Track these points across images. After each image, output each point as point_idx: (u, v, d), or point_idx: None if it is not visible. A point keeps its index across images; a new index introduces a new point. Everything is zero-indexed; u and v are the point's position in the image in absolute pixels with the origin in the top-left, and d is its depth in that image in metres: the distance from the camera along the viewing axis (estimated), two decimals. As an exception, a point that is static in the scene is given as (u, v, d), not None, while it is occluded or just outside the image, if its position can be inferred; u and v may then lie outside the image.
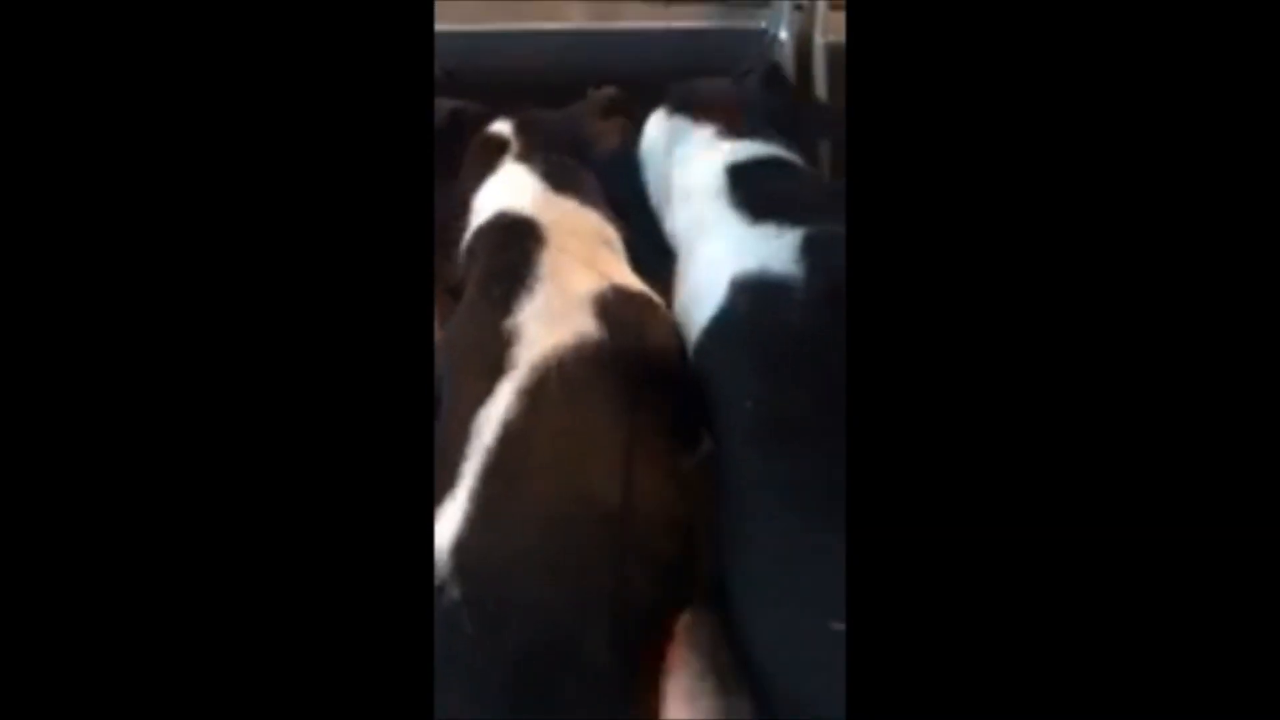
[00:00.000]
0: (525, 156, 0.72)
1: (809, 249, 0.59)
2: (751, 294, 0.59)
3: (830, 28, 0.93)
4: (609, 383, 0.57)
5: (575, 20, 0.95)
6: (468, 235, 0.70)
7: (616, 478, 0.54)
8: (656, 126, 0.74)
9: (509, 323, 0.59)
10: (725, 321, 0.60)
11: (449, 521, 0.52)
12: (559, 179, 0.70)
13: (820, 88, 0.83)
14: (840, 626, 0.46)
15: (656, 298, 0.65)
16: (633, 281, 0.66)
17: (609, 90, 0.81)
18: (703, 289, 0.63)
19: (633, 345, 0.60)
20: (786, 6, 0.83)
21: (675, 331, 0.64)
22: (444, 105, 0.81)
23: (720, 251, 0.63)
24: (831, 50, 0.83)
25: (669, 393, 0.61)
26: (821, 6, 0.83)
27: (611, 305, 0.61)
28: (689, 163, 0.71)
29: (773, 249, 0.60)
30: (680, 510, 0.57)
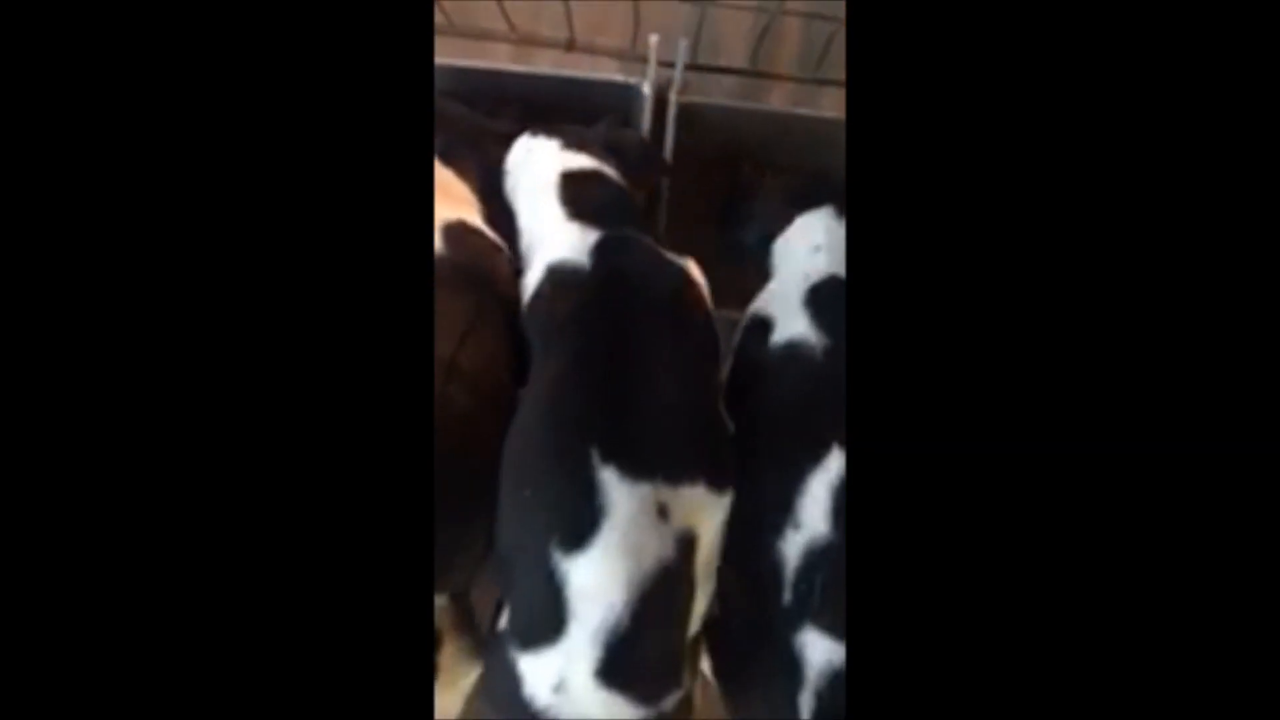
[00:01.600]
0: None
1: (601, 247, 0.77)
2: (554, 278, 0.77)
3: (695, 89, 1.12)
4: (445, 291, 0.72)
5: (500, 60, 1.15)
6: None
7: (450, 342, 0.70)
8: (521, 144, 0.92)
9: None
10: (535, 297, 0.78)
11: None
12: (445, 156, 0.90)
13: (669, 138, 1.02)
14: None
15: (504, 246, 0.83)
16: (490, 233, 0.84)
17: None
18: (531, 270, 0.81)
19: (474, 266, 0.78)
20: (652, 68, 1.02)
21: (514, 272, 0.82)
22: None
23: (543, 238, 0.82)
24: (683, 107, 1.02)
25: (507, 323, 0.78)
26: (680, 72, 1.02)
27: (460, 234, 0.79)
28: (538, 165, 0.88)
29: (575, 243, 0.78)
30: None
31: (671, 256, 0.80)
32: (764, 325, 0.81)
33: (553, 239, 0.81)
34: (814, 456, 0.71)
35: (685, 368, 0.73)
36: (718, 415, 0.75)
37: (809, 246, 0.86)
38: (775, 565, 0.70)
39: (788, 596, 0.69)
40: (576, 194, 0.84)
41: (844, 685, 0.66)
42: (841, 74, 1.20)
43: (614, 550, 0.64)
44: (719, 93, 1.20)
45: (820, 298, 0.80)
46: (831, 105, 1.24)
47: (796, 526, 0.70)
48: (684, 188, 1.01)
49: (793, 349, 0.78)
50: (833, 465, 0.70)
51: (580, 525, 0.64)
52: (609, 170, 0.88)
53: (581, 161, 0.87)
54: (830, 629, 0.67)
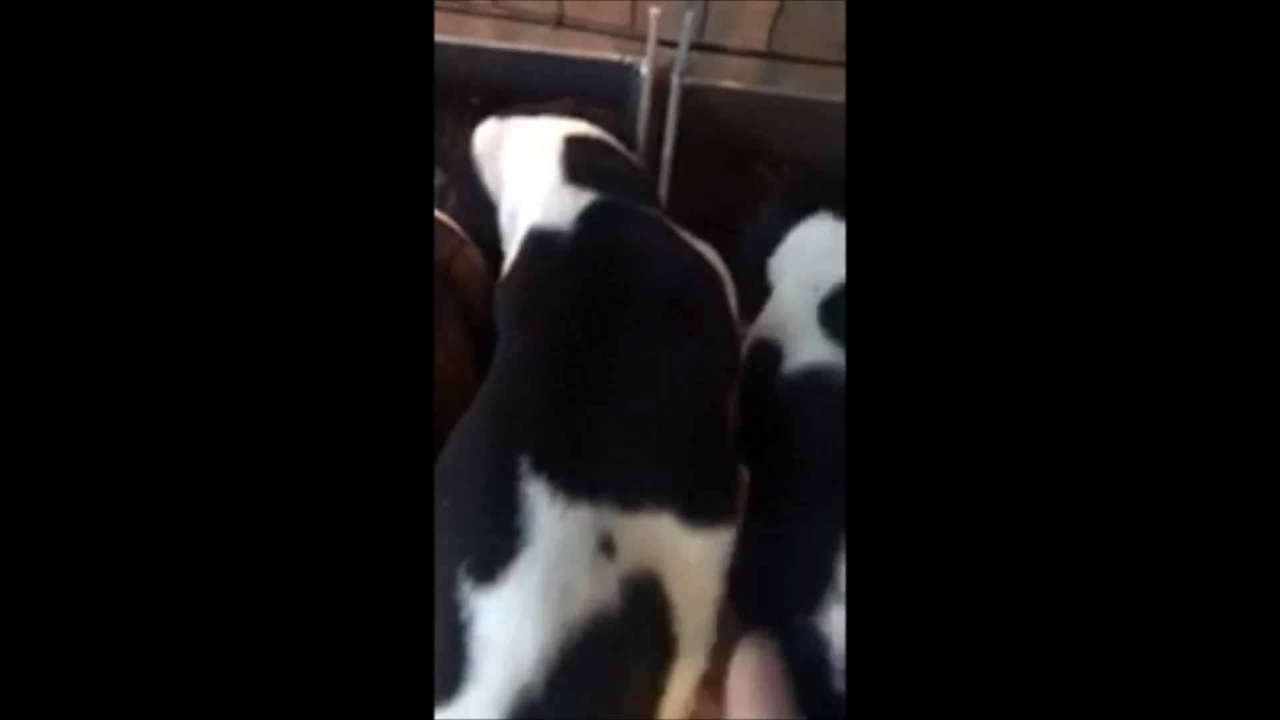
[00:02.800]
0: None
1: (591, 212, 0.63)
2: (531, 245, 0.64)
3: (701, 71, 0.99)
4: None
5: (482, 37, 1.02)
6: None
7: None
8: (487, 128, 0.79)
9: None
10: (508, 273, 0.65)
11: None
12: None
13: (670, 125, 0.89)
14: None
15: (469, 242, 0.71)
16: (449, 222, 0.72)
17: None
18: (514, 236, 0.68)
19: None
20: (651, 46, 0.89)
21: (480, 268, 0.70)
22: None
23: (531, 203, 0.68)
24: (687, 90, 0.89)
25: (467, 317, 0.66)
26: (684, 51, 0.89)
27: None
28: (534, 134, 0.75)
29: (564, 207, 0.64)
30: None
31: (687, 238, 0.65)
32: (771, 351, 0.67)
33: (539, 203, 0.66)
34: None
35: (677, 373, 0.58)
36: (717, 439, 0.60)
37: (816, 253, 0.72)
38: (816, 649, 0.55)
39: (837, 686, 0.54)
40: (580, 158, 0.70)
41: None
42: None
43: (532, 589, 0.48)
44: (729, 76, 1.08)
45: (837, 311, 0.66)
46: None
47: (841, 599, 0.54)
48: (686, 182, 0.88)
49: (813, 378, 0.63)
50: None
51: (494, 552, 0.49)
52: (615, 143, 0.75)
53: (585, 129, 0.74)
54: None
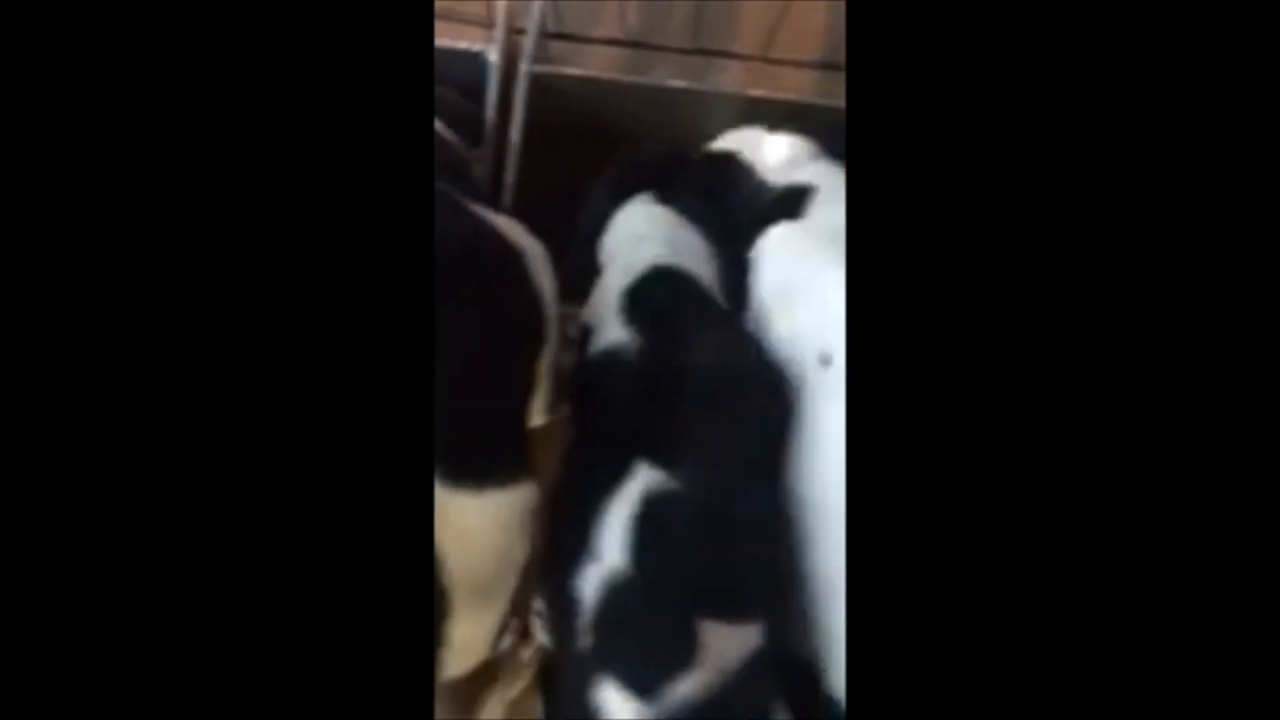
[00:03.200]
0: None
1: None
2: None
3: (550, 58, 1.00)
4: None
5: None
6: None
7: None
8: None
9: None
10: None
11: None
12: None
13: (518, 107, 0.90)
14: None
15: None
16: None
17: None
18: None
19: None
20: (499, 33, 0.90)
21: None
22: None
23: None
24: (536, 78, 0.90)
25: None
26: (533, 38, 0.90)
27: None
28: None
29: None
30: None
31: (483, 214, 0.66)
32: (586, 334, 0.70)
33: None
34: (616, 478, 0.60)
35: (450, 338, 0.59)
36: (503, 411, 0.62)
37: (631, 237, 0.74)
38: (572, 604, 0.58)
39: (586, 641, 0.57)
40: None
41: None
42: (731, 44, 1.09)
43: None
44: (599, 66, 1.08)
45: (637, 293, 0.68)
46: (727, 79, 1.12)
47: (594, 558, 0.58)
48: (536, 168, 0.89)
49: (608, 358, 0.66)
50: (634, 488, 0.59)
51: None
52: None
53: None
54: (628, 683, 0.55)
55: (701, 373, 0.64)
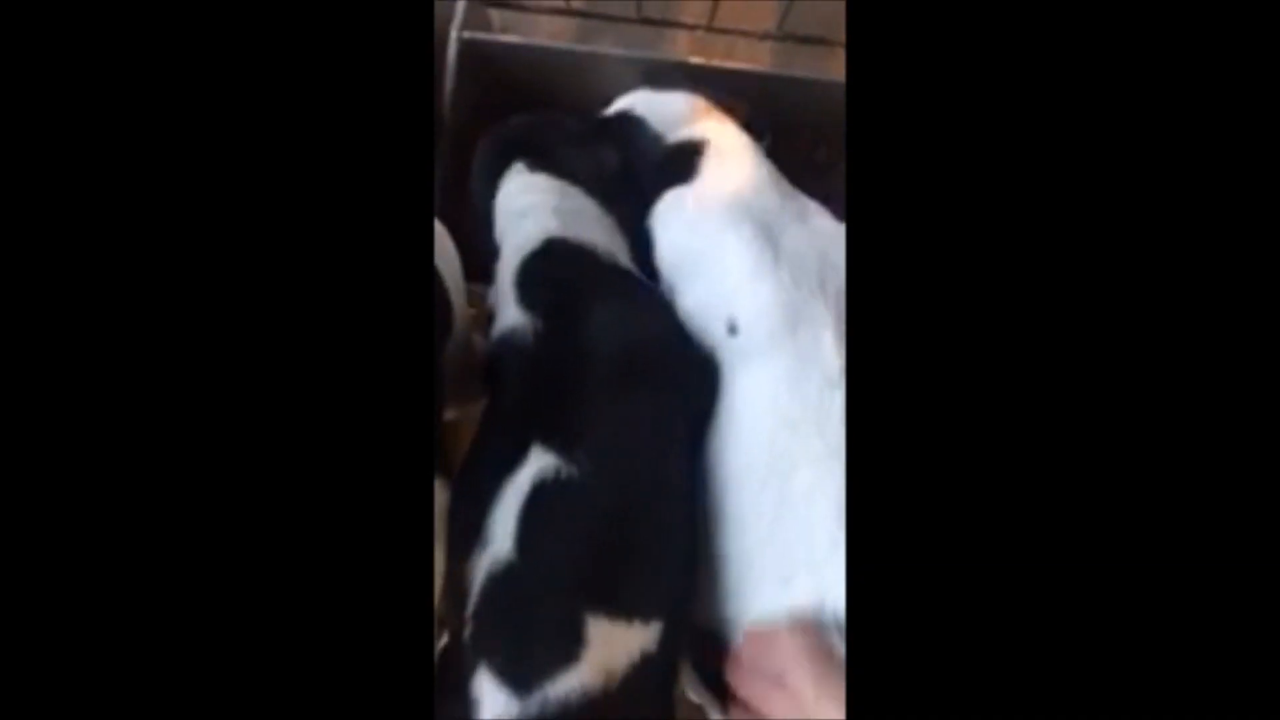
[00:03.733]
0: None
1: None
2: None
3: (495, 26, 0.98)
4: None
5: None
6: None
7: None
8: None
9: None
10: None
11: None
12: None
13: (449, 78, 0.88)
14: None
15: None
16: None
17: None
18: None
19: None
20: (430, -1, 0.88)
21: None
22: None
23: None
24: (465, 45, 0.88)
25: None
26: (461, 4, 0.88)
27: None
28: None
29: None
30: None
31: None
32: (490, 319, 0.67)
33: None
34: (510, 464, 0.57)
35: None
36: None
37: (514, 213, 0.70)
38: (461, 591, 0.56)
39: (468, 630, 0.55)
40: None
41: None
42: (678, 14, 1.07)
43: None
44: (547, 35, 1.06)
45: (529, 271, 0.65)
46: (673, 47, 1.10)
47: (484, 544, 0.56)
48: (468, 137, 0.87)
49: (505, 342, 0.63)
50: (526, 473, 0.57)
51: None
52: None
53: None
54: (503, 676, 0.53)
55: (601, 350, 0.61)
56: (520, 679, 0.53)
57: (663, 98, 0.79)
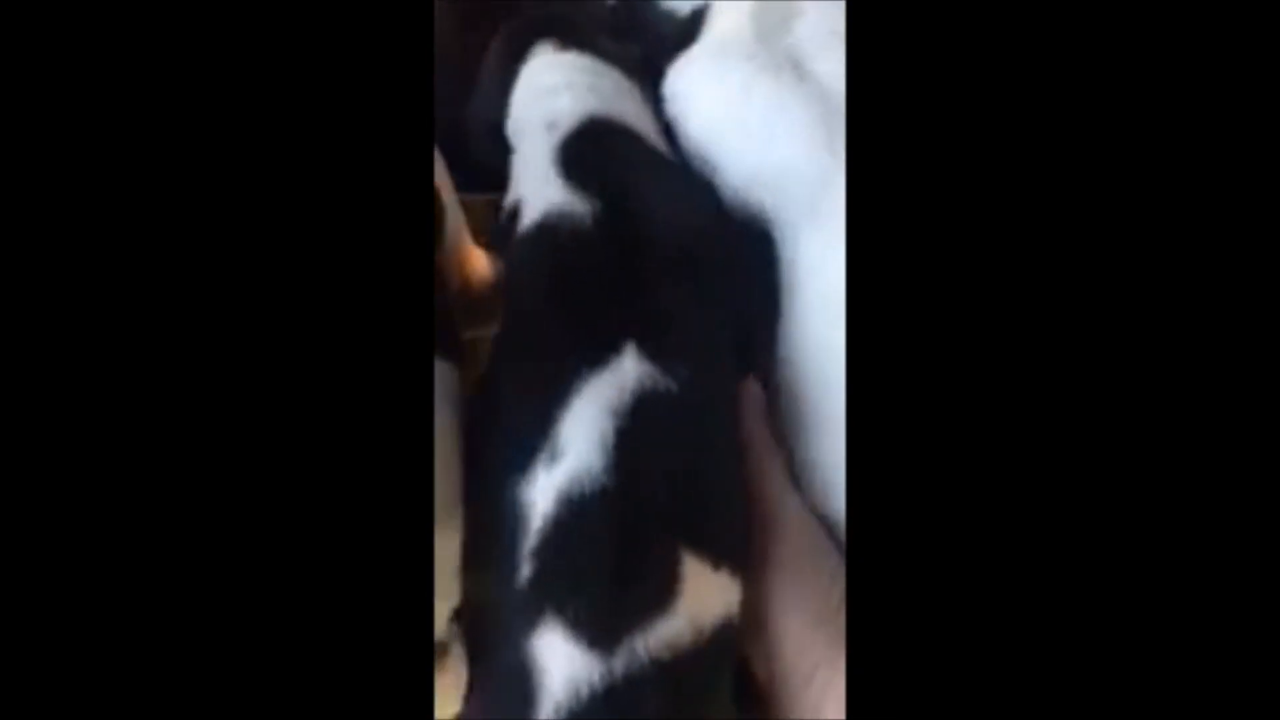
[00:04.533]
0: None
1: None
2: None
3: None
4: None
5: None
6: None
7: None
8: None
9: None
10: None
11: None
12: None
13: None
14: None
15: None
16: None
17: None
18: None
19: None
20: None
21: None
22: None
23: None
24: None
25: None
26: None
27: None
28: None
29: None
30: None
31: None
32: (513, 216, 0.56)
33: None
34: (587, 359, 0.46)
35: None
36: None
37: (544, 92, 0.59)
38: (512, 520, 0.45)
39: (525, 571, 0.44)
40: None
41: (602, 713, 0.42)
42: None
43: None
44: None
45: (577, 149, 0.55)
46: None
47: (553, 457, 0.45)
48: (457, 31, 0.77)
49: (547, 227, 0.52)
50: (617, 379, 0.46)
51: None
52: None
53: None
54: (578, 626, 0.42)
55: (670, 240, 0.51)
56: (606, 630, 0.42)
57: None
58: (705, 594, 0.45)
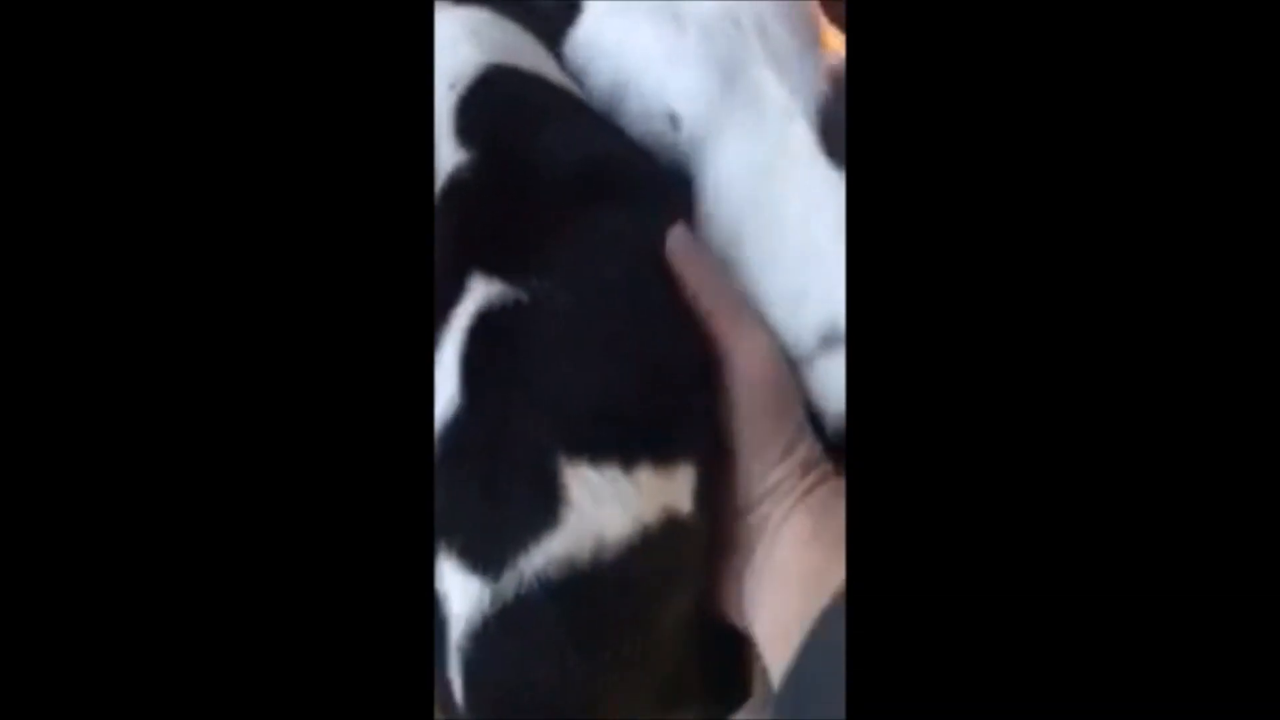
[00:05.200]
0: None
1: None
2: None
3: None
4: None
5: None
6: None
7: None
8: None
9: None
10: None
11: None
12: None
13: None
14: None
15: None
16: None
17: None
18: None
19: None
20: None
21: None
22: None
23: None
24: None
25: None
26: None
27: None
28: None
29: None
30: None
31: None
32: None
33: None
34: (445, 304, 0.47)
35: None
36: None
37: (449, 42, 0.57)
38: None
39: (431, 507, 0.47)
40: None
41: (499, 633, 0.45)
42: None
43: None
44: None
45: (468, 102, 0.54)
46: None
47: (434, 403, 0.47)
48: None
49: (443, 191, 0.51)
50: (467, 306, 0.47)
51: None
52: None
53: None
54: (465, 555, 0.45)
55: (551, 173, 0.51)
56: (488, 558, 0.44)
57: None
58: (604, 503, 0.45)
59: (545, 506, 0.44)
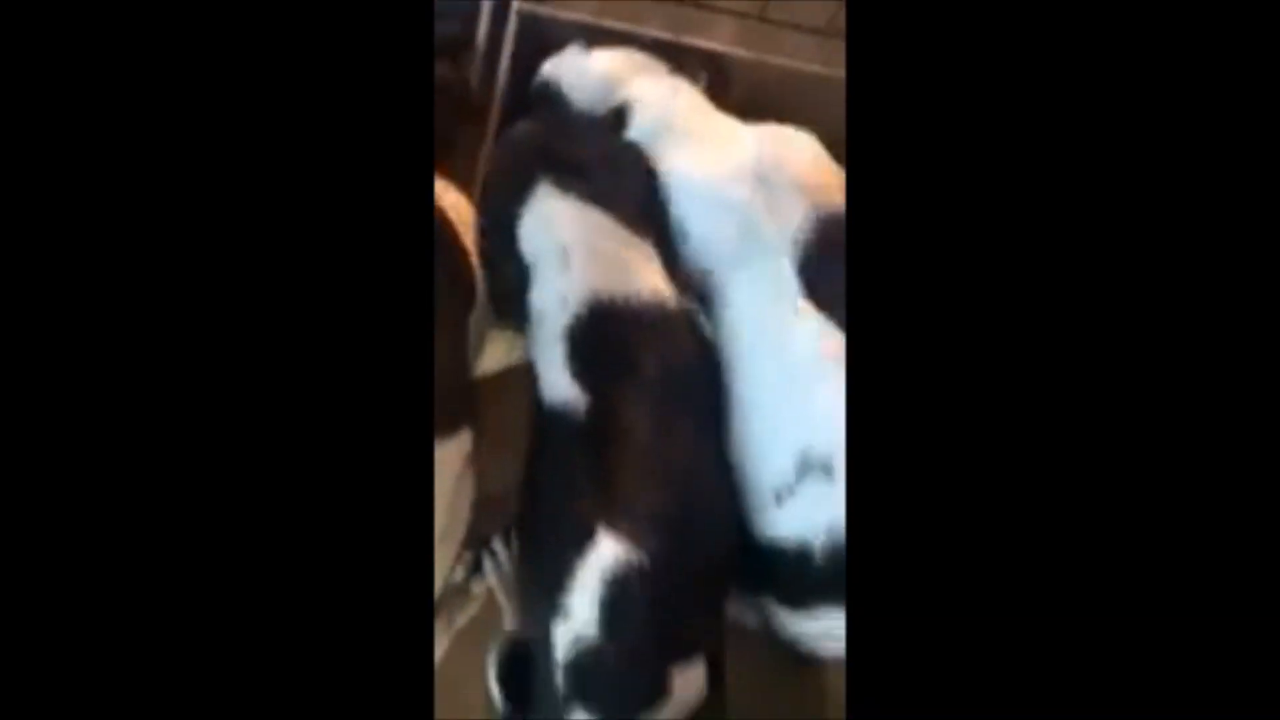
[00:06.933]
0: None
1: None
2: None
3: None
4: None
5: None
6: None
7: None
8: None
9: None
10: None
11: None
12: None
13: (505, 52, 0.88)
14: None
15: None
16: None
17: None
18: None
19: None
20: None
21: None
22: None
23: None
24: (525, 19, 0.88)
25: None
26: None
27: None
28: None
29: None
30: None
31: None
32: (530, 372, 0.69)
33: None
34: (578, 544, 0.61)
35: None
36: (444, 366, 0.62)
37: (553, 249, 0.67)
38: (548, 644, 0.61)
39: (559, 679, 0.60)
40: None
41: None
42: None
43: None
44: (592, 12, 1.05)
45: (578, 341, 0.65)
46: (729, 36, 1.10)
47: (565, 616, 0.60)
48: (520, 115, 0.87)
49: (554, 416, 0.65)
50: (597, 557, 0.60)
51: None
52: None
53: None
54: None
55: (636, 428, 0.64)
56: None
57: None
58: (688, 685, 0.61)
59: (655, 695, 0.62)
